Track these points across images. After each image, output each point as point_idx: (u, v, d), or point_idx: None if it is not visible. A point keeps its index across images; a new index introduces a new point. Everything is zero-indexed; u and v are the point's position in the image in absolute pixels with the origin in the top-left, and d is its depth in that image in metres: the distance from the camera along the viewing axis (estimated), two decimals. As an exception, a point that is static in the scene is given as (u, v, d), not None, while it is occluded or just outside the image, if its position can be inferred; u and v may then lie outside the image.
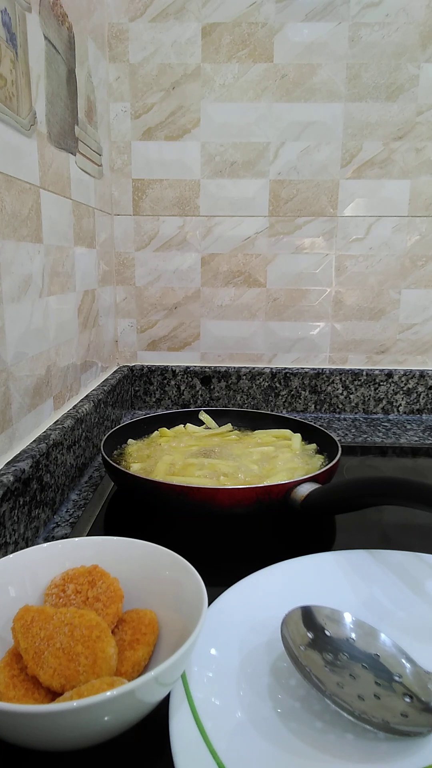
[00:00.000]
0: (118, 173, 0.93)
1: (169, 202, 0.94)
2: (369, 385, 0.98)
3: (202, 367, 0.99)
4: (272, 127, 0.90)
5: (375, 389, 0.99)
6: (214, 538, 0.53)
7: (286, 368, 0.99)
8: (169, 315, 0.99)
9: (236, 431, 0.78)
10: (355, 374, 0.98)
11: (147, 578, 0.39)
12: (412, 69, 0.87)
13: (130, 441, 0.73)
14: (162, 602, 0.37)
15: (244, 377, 0.99)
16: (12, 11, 0.51)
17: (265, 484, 0.54)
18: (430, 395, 0.98)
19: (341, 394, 0.99)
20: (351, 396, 0.99)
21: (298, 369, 0.99)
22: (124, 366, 1.00)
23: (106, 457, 0.60)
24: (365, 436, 0.88)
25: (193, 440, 0.72)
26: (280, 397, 0.99)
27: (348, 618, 0.37)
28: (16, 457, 0.52)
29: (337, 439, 0.68)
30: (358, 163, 0.91)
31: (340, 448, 0.63)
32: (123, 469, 0.57)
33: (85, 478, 0.69)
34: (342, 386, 0.99)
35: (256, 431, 0.78)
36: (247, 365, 1.00)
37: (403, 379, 0.98)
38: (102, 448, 0.63)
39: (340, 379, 0.98)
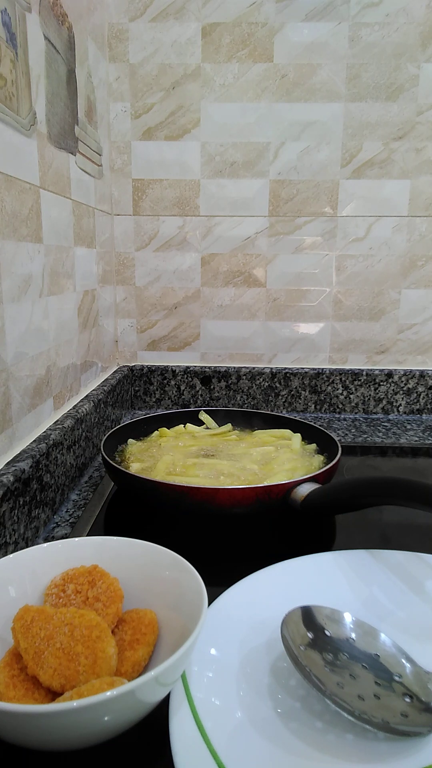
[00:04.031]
0: (118, 173, 0.93)
1: (169, 202, 0.94)
2: (369, 385, 0.98)
3: (202, 367, 0.99)
4: (272, 127, 0.90)
5: (375, 389, 0.99)
6: (214, 538, 0.53)
7: (286, 368, 0.99)
8: (169, 315, 0.99)
9: (236, 431, 0.78)
10: (355, 374, 0.98)
11: (147, 578, 0.39)
12: (412, 69, 0.87)
13: (130, 441, 0.73)
14: (162, 602, 0.37)
15: (244, 377, 0.99)
16: (12, 11, 0.51)
17: (265, 484, 0.54)
18: (430, 395, 0.98)
19: (341, 394, 0.99)
20: (351, 396, 0.99)
21: (298, 369, 0.99)
22: (124, 366, 1.00)
23: (106, 457, 0.60)
24: (365, 436, 0.88)
25: (193, 440, 0.72)
26: (280, 397, 0.99)
27: (348, 618, 0.37)
28: (16, 457, 0.52)
29: (337, 439, 0.68)
30: (358, 163, 0.91)
31: (340, 448, 0.63)
32: (123, 469, 0.57)
33: (85, 478, 0.69)
34: (342, 386, 0.99)
35: (256, 431, 0.77)
36: (247, 365, 1.00)
37: (403, 379, 0.98)
38: (102, 448, 0.63)
39: (340, 379, 0.98)
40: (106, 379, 0.89)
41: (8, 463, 0.51)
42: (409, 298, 0.96)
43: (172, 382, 1.00)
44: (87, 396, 0.77)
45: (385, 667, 0.34)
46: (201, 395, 1.00)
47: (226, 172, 0.92)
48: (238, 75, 0.89)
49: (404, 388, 0.98)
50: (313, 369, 0.98)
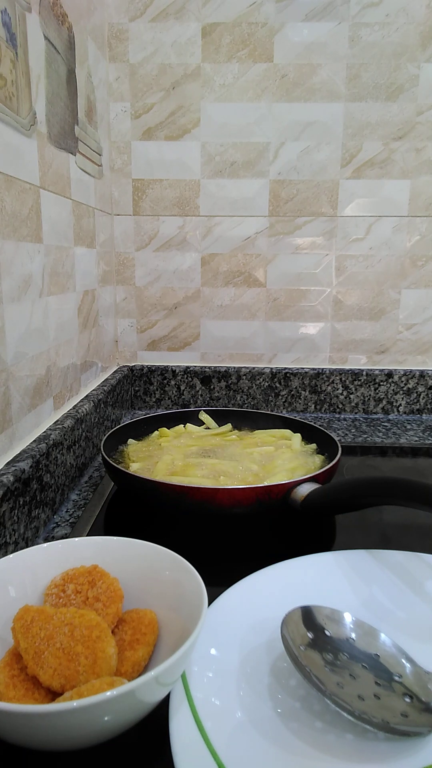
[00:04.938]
0: (118, 173, 0.93)
1: (169, 202, 0.94)
2: (369, 385, 0.98)
3: (202, 367, 0.99)
4: (272, 127, 0.90)
5: (375, 389, 0.99)
6: (214, 538, 0.53)
7: (286, 368, 0.99)
8: (169, 315, 0.99)
9: (236, 431, 0.78)
10: (355, 374, 0.98)
11: (147, 578, 0.39)
12: (412, 69, 0.87)
13: (130, 441, 0.73)
14: (162, 602, 0.37)
15: (244, 377, 0.99)
16: (12, 11, 0.51)
17: (265, 484, 0.54)
18: (430, 395, 0.98)
19: (341, 394, 0.99)
20: (351, 396, 0.99)
21: (298, 369, 0.99)
22: (124, 366, 1.00)
23: (106, 457, 0.60)
24: (365, 436, 0.88)
25: (193, 440, 0.72)
26: (280, 397, 0.99)
27: (348, 618, 0.37)
28: (16, 457, 0.52)
29: (337, 439, 0.68)
30: (358, 163, 0.91)
31: (340, 448, 0.63)
32: (123, 469, 0.57)
33: (85, 478, 0.69)
34: (342, 386, 0.99)
35: (256, 431, 0.77)
36: (247, 365, 1.00)
37: (403, 379, 0.98)
38: (102, 448, 0.63)
39: (340, 379, 0.98)
40: (106, 379, 0.89)
41: (8, 463, 0.51)
42: (409, 298, 0.96)
43: (172, 382, 1.00)
44: (87, 396, 0.77)
45: (385, 667, 0.34)
46: (201, 395, 1.00)
47: (226, 172, 0.92)
48: (238, 75, 0.89)
49: (404, 388, 0.98)
50: (313, 369, 0.98)
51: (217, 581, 0.41)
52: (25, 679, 0.32)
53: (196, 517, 0.55)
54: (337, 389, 0.99)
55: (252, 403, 1.00)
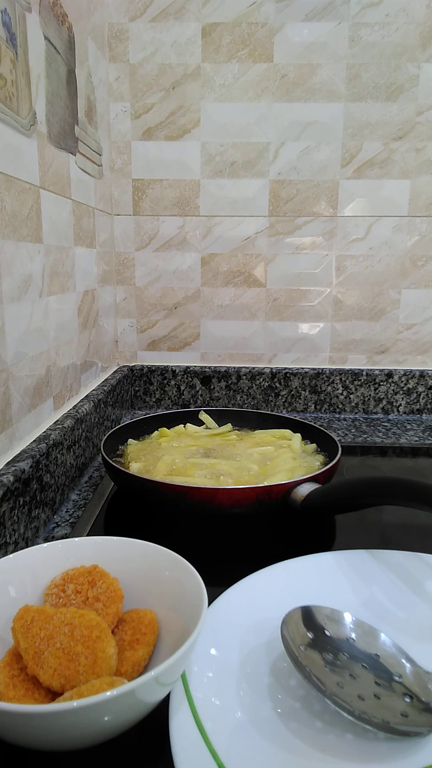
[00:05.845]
0: (118, 173, 0.93)
1: (169, 202, 0.94)
2: (369, 385, 0.98)
3: (202, 367, 0.99)
4: (272, 127, 0.90)
5: (375, 389, 0.99)
6: (214, 538, 0.53)
7: (286, 368, 0.99)
8: (169, 315, 0.99)
9: (236, 431, 0.78)
10: (355, 374, 0.98)
11: (147, 578, 0.39)
12: (412, 69, 0.87)
13: (130, 441, 0.73)
14: (162, 602, 0.37)
15: (244, 377, 0.98)
16: (12, 11, 0.51)
17: (265, 484, 0.54)
18: (430, 395, 0.98)
19: (341, 394, 0.99)
20: (351, 396, 0.99)
21: (298, 369, 0.99)
22: (124, 366, 1.00)
23: (106, 457, 0.60)
24: (365, 436, 0.88)
25: (193, 440, 0.72)
26: (280, 397, 0.99)
27: (348, 618, 0.37)
28: (16, 457, 0.52)
29: (337, 439, 0.68)
30: (358, 163, 0.91)
31: (340, 448, 0.63)
32: (123, 469, 0.57)
33: (85, 478, 0.69)
34: (342, 386, 0.99)
35: (256, 431, 0.77)
36: (247, 365, 1.00)
37: (403, 379, 0.98)
38: (102, 448, 0.63)
39: (340, 379, 0.98)
40: (106, 379, 0.89)
41: (8, 463, 0.51)
42: (409, 298, 0.96)
43: (172, 382, 1.00)
44: (87, 396, 0.77)
45: (385, 667, 0.34)
46: (201, 395, 1.00)
47: (226, 172, 0.92)
48: (238, 75, 0.89)
49: (404, 388, 0.98)
50: (313, 369, 0.98)
51: (217, 581, 0.41)
52: (25, 679, 0.32)
53: (196, 517, 0.55)
54: (337, 389, 0.99)
55: (252, 403, 1.00)
